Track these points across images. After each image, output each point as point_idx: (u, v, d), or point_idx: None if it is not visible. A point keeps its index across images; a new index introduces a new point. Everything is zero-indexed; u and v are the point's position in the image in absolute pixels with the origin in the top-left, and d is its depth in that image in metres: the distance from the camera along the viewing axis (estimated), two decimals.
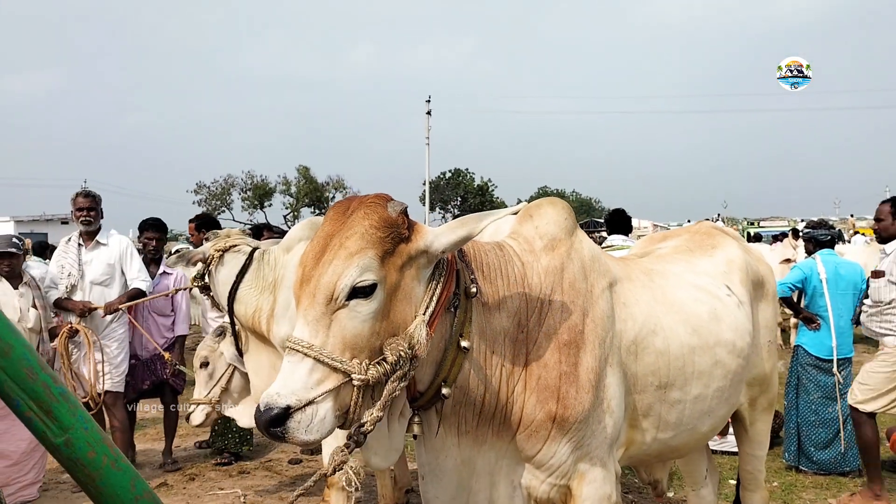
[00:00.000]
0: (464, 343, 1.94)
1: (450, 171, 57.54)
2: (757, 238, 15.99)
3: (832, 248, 5.65)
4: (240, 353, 4.00)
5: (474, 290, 1.98)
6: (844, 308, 5.24)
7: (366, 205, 1.83)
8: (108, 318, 5.15)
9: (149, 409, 6.05)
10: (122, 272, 5.29)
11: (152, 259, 5.83)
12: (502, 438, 2.12)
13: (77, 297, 5.16)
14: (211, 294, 3.96)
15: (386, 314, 1.78)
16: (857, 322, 5.01)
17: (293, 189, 49.48)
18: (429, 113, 39.57)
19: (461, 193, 56.72)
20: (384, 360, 1.73)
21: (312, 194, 48.80)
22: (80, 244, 5.28)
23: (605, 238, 6.21)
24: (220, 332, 4.35)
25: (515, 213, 2.28)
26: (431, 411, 2.04)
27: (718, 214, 29.00)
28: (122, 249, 5.32)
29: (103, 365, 5.06)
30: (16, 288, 4.82)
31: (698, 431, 2.67)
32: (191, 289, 5.05)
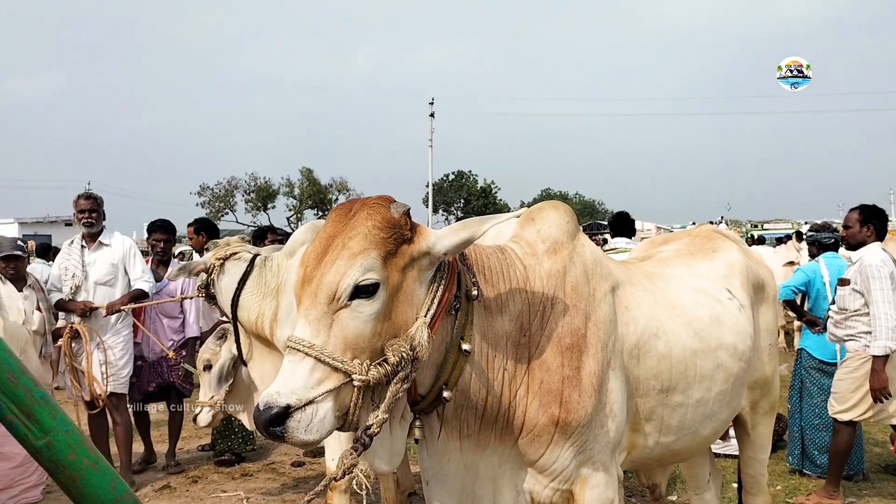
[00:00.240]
0: (465, 346, 1.93)
1: (453, 173, 57.68)
2: (760, 241, 15.91)
3: (836, 251, 5.65)
4: (243, 363, 4.02)
5: (476, 292, 1.97)
6: None
7: (369, 206, 1.83)
8: (112, 318, 5.14)
9: (153, 410, 6.04)
10: (126, 272, 5.29)
11: (161, 261, 5.82)
12: (505, 443, 2.11)
13: (81, 297, 5.14)
14: (217, 303, 3.98)
15: (388, 315, 1.78)
16: (824, 328, 5.03)
17: (297, 191, 49.60)
18: (432, 115, 39.63)
19: (464, 195, 56.78)
20: (385, 361, 1.72)
21: (316, 196, 48.93)
22: (82, 246, 5.28)
23: (609, 240, 6.22)
24: (222, 335, 4.36)
25: (518, 217, 2.27)
26: (433, 415, 2.03)
27: (722, 217, 29.01)
28: (125, 249, 5.31)
29: (106, 366, 5.07)
30: (20, 290, 4.85)
31: (700, 435, 2.66)
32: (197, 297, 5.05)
